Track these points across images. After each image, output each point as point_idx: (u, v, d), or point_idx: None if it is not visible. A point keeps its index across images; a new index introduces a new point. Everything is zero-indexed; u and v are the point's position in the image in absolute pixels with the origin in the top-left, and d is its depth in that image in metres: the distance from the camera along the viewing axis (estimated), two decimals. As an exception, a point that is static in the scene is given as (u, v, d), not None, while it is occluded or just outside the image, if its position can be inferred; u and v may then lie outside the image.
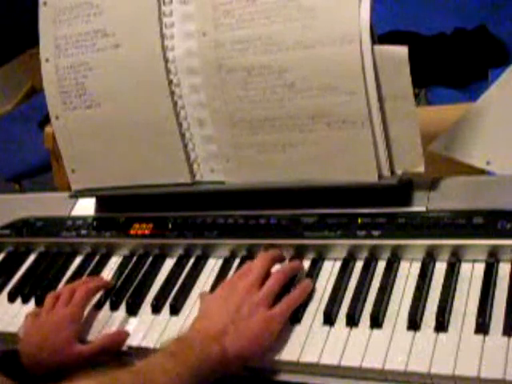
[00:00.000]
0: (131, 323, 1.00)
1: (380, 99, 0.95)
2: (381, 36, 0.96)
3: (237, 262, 1.03)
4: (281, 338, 0.88)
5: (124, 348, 0.96)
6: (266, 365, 0.88)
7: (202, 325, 0.89)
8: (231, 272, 1.02)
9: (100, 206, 1.20)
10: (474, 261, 0.89)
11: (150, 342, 0.95)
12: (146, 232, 1.11)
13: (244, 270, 0.95)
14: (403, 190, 0.98)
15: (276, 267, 0.96)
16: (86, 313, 1.03)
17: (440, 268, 0.90)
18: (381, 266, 0.94)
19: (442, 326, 0.82)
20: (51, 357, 0.95)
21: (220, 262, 1.04)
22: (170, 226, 1.10)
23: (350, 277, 0.94)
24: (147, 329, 0.97)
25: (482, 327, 0.80)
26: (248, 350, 0.86)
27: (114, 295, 1.04)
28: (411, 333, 0.83)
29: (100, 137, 1.14)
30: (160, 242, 1.10)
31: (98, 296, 1.05)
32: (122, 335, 0.98)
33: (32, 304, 1.10)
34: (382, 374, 0.81)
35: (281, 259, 0.98)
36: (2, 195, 1.38)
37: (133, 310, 1.01)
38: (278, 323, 0.88)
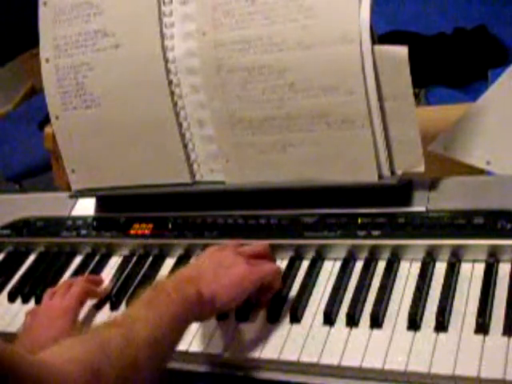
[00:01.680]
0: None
1: (380, 99, 0.95)
2: (381, 36, 0.96)
3: (237, 262, 1.03)
4: (281, 337, 0.88)
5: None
6: (266, 365, 0.88)
7: (181, 271, 0.91)
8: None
9: (100, 206, 1.20)
10: (474, 261, 0.90)
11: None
12: (146, 232, 1.11)
13: (232, 243, 0.98)
14: (403, 189, 0.98)
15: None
16: (85, 313, 1.03)
17: (440, 268, 0.90)
18: (381, 266, 0.94)
19: (442, 325, 0.82)
20: (45, 348, 0.95)
21: (220, 262, 1.04)
22: (170, 225, 1.10)
23: (349, 277, 0.94)
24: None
25: (482, 327, 0.80)
26: (223, 294, 0.87)
27: (114, 295, 1.04)
28: (411, 333, 0.83)
29: (100, 137, 1.14)
30: (160, 242, 1.10)
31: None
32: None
33: (32, 304, 1.10)
34: (382, 374, 0.81)
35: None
36: (1, 195, 1.38)
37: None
38: (257, 277, 0.90)
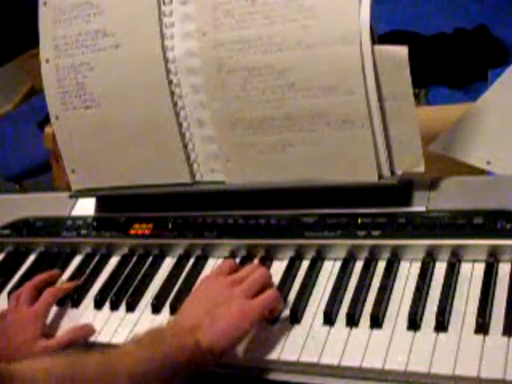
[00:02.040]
0: (131, 323, 1.00)
1: (380, 99, 0.95)
2: (381, 36, 0.96)
3: (237, 262, 1.03)
4: (281, 337, 0.88)
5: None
6: (266, 365, 0.88)
7: (177, 320, 0.89)
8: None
9: (100, 206, 1.20)
10: (474, 261, 0.90)
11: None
12: (146, 232, 1.11)
13: (225, 266, 0.95)
14: (403, 189, 0.98)
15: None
16: (85, 313, 1.03)
17: (440, 268, 0.90)
18: (381, 266, 0.94)
19: (442, 325, 0.82)
20: (16, 354, 0.94)
21: (220, 262, 1.04)
22: (170, 226, 1.10)
23: (349, 277, 0.94)
24: (147, 329, 0.97)
25: (482, 327, 0.80)
26: (222, 341, 0.84)
27: (114, 295, 1.04)
28: (411, 333, 0.83)
29: (100, 137, 1.14)
30: (160, 242, 1.10)
31: (98, 296, 1.05)
32: (86, 329, 0.99)
33: (32, 304, 1.10)
34: (382, 373, 0.81)
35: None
36: (2, 195, 1.39)
37: (133, 310, 1.01)
38: (255, 314, 0.86)
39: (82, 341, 0.98)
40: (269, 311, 0.89)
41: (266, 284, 0.92)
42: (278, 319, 0.91)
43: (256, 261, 1.01)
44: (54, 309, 1.06)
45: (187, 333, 0.84)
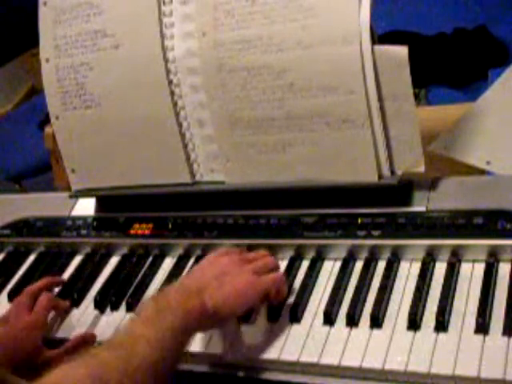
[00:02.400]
0: (131, 323, 1.00)
1: (380, 99, 0.95)
2: (381, 36, 0.96)
3: (237, 262, 1.03)
4: (281, 337, 0.88)
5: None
6: (266, 365, 0.88)
7: (184, 281, 0.90)
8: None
9: (100, 206, 1.20)
10: (474, 261, 0.90)
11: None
12: (146, 232, 1.11)
13: (234, 249, 0.96)
14: (403, 189, 0.98)
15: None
16: (85, 313, 1.03)
17: (440, 268, 0.90)
18: (381, 266, 0.94)
19: (442, 325, 0.82)
20: (24, 363, 0.95)
21: (220, 262, 1.04)
22: (170, 225, 1.10)
23: (349, 277, 0.94)
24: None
25: (482, 327, 0.80)
26: (227, 305, 0.85)
27: (114, 295, 1.04)
28: (411, 333, 0.83)
29: (100, 137, 1.14)
30: (160, 242, 1.10)
31: (98, 296, 1.05)
32: (89, 337, 0.99)
33: (32, 304, 1.10)
34: (382, 374, 0.81)
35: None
36: (2, 195, 1.38)
37: (133, 310, 1.01)
38: (261, 289, 0.88)
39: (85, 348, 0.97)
40: (274, 294, 0.90)
41: (274, 269, 0.94)
42: (278, 319, 0.91)
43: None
44: (54, 309, 1.06)
45: (193, 294, 0.85)
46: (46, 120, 1.30)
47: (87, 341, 0.98)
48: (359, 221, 0.97)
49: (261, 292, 0.88)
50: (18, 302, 1.03)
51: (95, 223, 1.17)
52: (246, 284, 0.87)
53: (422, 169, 0.96)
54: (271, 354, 0.87)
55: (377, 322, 0.85)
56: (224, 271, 0.88)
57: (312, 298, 0.93)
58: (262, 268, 0.91)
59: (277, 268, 0.95)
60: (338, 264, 0.97)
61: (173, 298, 0.85)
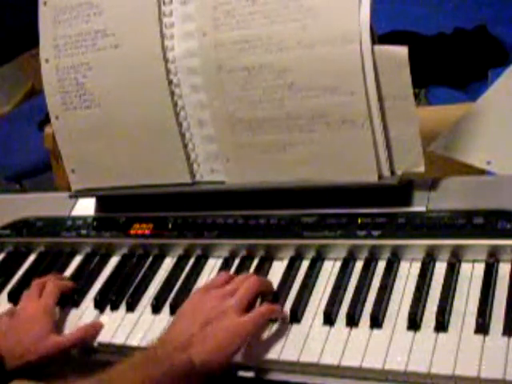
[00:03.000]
0: (131, 323, 1.00)
1: (380, 99, 0.95)
2: (381, 36, 0.96)
3: (237, 262, 1.03)
4: (281, 337, 0.88)
5: (116, 342, 0.97)
6: (266, 365, 0.88)
7: (170, 336, 0.88)
8: (231, 272, 1.01)
9: (100, 206, 1.20)
10: (474, 261, 0.90)
11: (149, 342, 0.94)
12: (146, 232, 1.11)
13: (221, 278, 0.94)
14: (403, 190, 0.98)
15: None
16: (85, 312, 1.03)
17: (440, 268, 0.90)
18: (381, 266, 0.94)
19: (442, 326, 0.82)
20: (29, 349, 0.95)
21: (220, 262, 1.04)
22: (170, 225, 1.10)
23: (349, 277, 0.94)
24: (147, 329, 0.97)
25: (482, 327, 0.80)
26: (214, 358, 0.83)
27: (114, 295, 1.04)
28: (411, 333, 0.83)
29: (100, 137, 1.14)
30: (160, 242, 1.10)
31: (98, 296, 1.05)
32: (96, 327, 0.99)
33: (32, 304, 1.10)
34: (382, 373, 0.81)
35: (267, 290, 0.94)
36: (2, 195, 1.39)
37: (133, 310, 1.01)
38: (248, 330, 0.86)
39: (92, 339, 0.98)
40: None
41: (261, 292, 0.92)
42: (278, 319, 0.91)
43: (255, 262, 1.01)
44: (54, 309, 1.06)
45: (179, 350, 0.83)
46: (46, 120, 1.30)
47: (94, 332, 0.99)
48: (359, 221, 0.97)
49: (247, 336, 0.86)
50: (27, 295, 1.05)
51: (95, 223, 1.17)
52: (232, 328, 0.85)
53: (422, 169, 0.96)
54: (271, 353, 0.87)
55: (377, 321, 0.85)
56: (207, 318, 0.86)
57: (312, 298, 0.93)
58: (244, 300, 0.88)
59: (263, 289, 0.92)
60: (338, 264, 0.96)
61: (160, 350, 0.84)
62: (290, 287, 0.95)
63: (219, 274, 0.99)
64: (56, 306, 1.03)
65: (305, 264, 0.98)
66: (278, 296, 0.93)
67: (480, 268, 0.88)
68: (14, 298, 1.12)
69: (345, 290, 0.92)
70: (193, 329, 0.86)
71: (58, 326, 1.02)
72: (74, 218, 1.19)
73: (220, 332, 0.85)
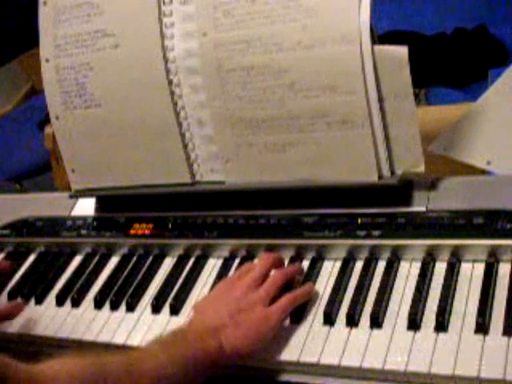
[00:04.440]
0: (131, 323, 1.00)
1: (380, 99, 0.95)
2: (381, 36, 0.96)
3: (237, 262, 1.03)
4: (281, 337, 0.88)
5: (124, 347, 0.97)
6: (266, 365, 0.88)
7: (200, 320, 0.89)
8: (231, 272, 1.02)
9: (100, 205, 1.20)
10: (474, 261, 0.89)
11: (149, 342, 0.94)
12: (146, 232, 1.11)
13: (244, 269, 0.95)
14: (403, 189, 0.98)
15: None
16: (85, 312, 1.03)
17: (440, 268, 0.90)
18: (381, 266, 0.94)
19: (442, 326, 0.82)
20: None
21: (220, 262, 1.04)
22: (169, 226, 1.10)
23: (350, 277, 0.94)
24: (147, 329, 0.97)
25: (482, 327, 0.80)
26: (245, 346, 0.85)
27: (114, 295, 1.04)
28: (411, 333, 0.83)
29: (100, 137, 1.14)
30: (160, 242, 1.10)
31: (98, 296, 1.05)
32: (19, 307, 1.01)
33: (32, 304, 1.10)
34: (382, 373, 0.81)
35: (280, 263, 0.98)
36: (1, 195, 1.38)
37: (133, 310, 1.01)
38: (276, 320, 0.88)
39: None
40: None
41: (289, 281, 0.94)
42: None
43: (255, 262, 1.01)
44: (54, 309, 1.06)
45: (210, 335, 0.85)
46: (46, 120, 1.30)
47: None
48: (359, 221, 0.97)
49: (274, 325, 0.87)
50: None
51: (95, 223, 1.17)
52: (260, 320, 0.87)
53: (422, 169, 0.96)
54: (271, 354, 0.87)
55: (377, 321, 0.85)
56: (238, 307, 0.88)
57: (312, 298, 0.93)
58: (272, 291, 0.90)
59: (289, 278, 0.94)
60: (338, 264, 0.96)
61: (190, 334, 0.85)
62: (290, 287, 0.95)
63: (242, 266, 0.99)
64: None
65: (305, 264, 0.98)
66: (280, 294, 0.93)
67: (480, 268, 0.88)
68: (14, 298, 1.12)
69: (345, 290, 0.92)
70: (223, 317, 0.87)
71: (59, 326, 1.02)
72: (74, 218, 1.19)
73: (248, 322, 0.86)
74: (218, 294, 0.93)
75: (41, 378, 0.71)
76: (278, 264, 0.97)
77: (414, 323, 0.83)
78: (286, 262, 0.99)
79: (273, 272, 0.95)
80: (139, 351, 0.82)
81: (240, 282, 0.92)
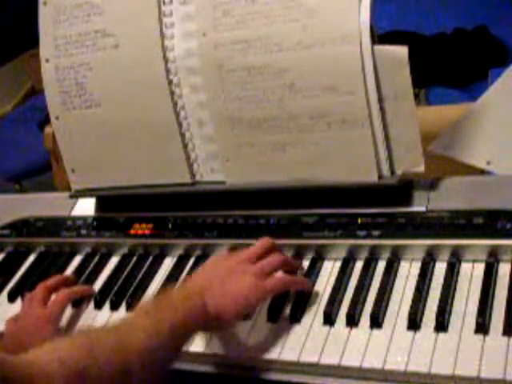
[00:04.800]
0: (131, 323, 1.00)
1: (380, 99, 0.95)
2: (381, 36, 0.96)
3: (237, 261, 1.03)
4: (281, 337, 0.88)
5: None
6: (266, 365, 0.88)
7: (187, 283, 0.90)
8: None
9: (100, 205, 1.20)
10: (474, 261, 0.90)
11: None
12: (146, 232, 1.11)
13: (239, 250, 0.95)
14: (403, 190, 0.98)
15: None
16: (85, 313, 1.03)
17: (440, 268, 0.90)
18: (381, 266, 0.94)
19: (442, 326, 0.82)
20: None
21: (220, 262, 1.04)
22: (169, 226, 1.10)
23: (350, 277, 0.94)
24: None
25: (482, 327, 0.80)
26: (228, 307, 0.85)
27: (114, 295, 1.04)
28: (411, 333, 0.83)
29: (100, 137, 1.14)
30: (160, 242, 1.10)
31: (98, 296, 1.05)
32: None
33: (32, 304, 1.09)
34: (382, 373, 0.81)
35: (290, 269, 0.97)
36: (2, 195, 1.38)
37: (133, 310, 1.01)
38: (265, 292, 0.87)
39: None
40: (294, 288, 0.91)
41: (287, 270, 0.94)
42: (278, 319, 0.91)
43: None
44: (54, 309, 1.06)
45: (196, 294, 0.85)
46: (46, 120, 1.30)
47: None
48: (359, 221, 0.97)
49: (262, 296, 0.88)
50: (31, 297, 1.03)
51: (95, 223, 1.17)
52: (249, 287, 0.86)
53: (422, 169, 0.96)
54: (271, 353, 0.87)
55: (377, 321, 0.85)
56: (228, 272, 0.88)
57: (312, 298, 0.93)
58: (266, 269, 0.90)
59: (286, 265, 0.94)
60: (338, 264, 0.96)
61: (174, 296, 0.85)
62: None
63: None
64: (63, 314, 1.01)
65: (305, 264, 0.98)
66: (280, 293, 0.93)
67: (480, 268, 0.88)
68: (13, 298, 1.12)
69: (345, 290, 0.92)
70: (212, 277, 0.88)
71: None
72: (74, 218, 1.19)
73: (238, 284, 0.86)
74: (212, 262, 0.93)
75: (35, 371, 0.70)
76: (274, 249, 0.96)
77: (413, 323, 0.83)
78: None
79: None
80: (127, 324, 0.81)
81: (234, 256, 0.92)
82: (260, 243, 0.95)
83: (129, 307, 1.02)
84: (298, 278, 0.93)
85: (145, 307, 0.84)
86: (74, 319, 1.04)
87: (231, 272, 0.88)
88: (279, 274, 0.92)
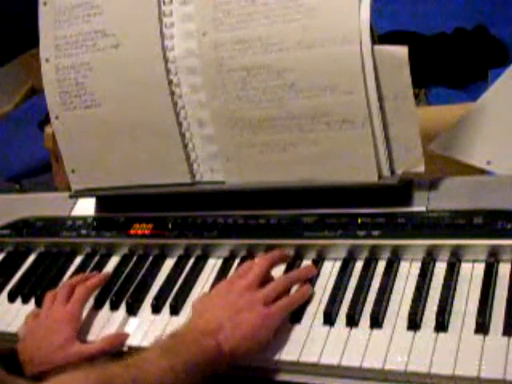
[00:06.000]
0: (131, 323, 1.00)
1: (380, 99, 0.95)
2: (381, 36, 0.96)
3: (237, 262, 1.03)
4: (281, 337, 0.88)
5: (124, 348, 0.96)
6: (267, 365, 0.88)
7: (198, 321, 0.89)
8: (231, 272, 1.02)
9: (100, 206, 1.20)
10: (474, 261, 0.90)
11: (149, 342, 0.94)
12: (146, 232, 1.11)
13: (243, 269, 0.95)
14: (403, 190, 0.98)
15: (277, 270, 0.96)
16: (85, 313, 1.03)
17: (440, 268, 0.90)
18: (381, 265, 0.94)
19: (441, 326, 0.82)
20: (49, 355, 0.94)
21: (220, 262, 1.04)
22: (170, 226, 1.10)
23: (349, 277, 0.94)
24: (147, 329, 0.97)
25: (482, 327, 0.80)
26: (243, 346, 0.85)
27: (114, 295, 1.04)
28: (411, 333, 0.83)
29: (100, 137, 1.14)
30: (160, 242, 1.10)
31: (97, 296, 1.05)
32: (122, 338, 0.97)
33: (32, 304, 1.09)
34: (382, 373, 0.81)
35: (283, 260, 0.98)
36: (2, 195, 1.38)
37: (133, 310, 1.01)
38: (275, 321, 0.87)
39: (115, 349, 0.96)
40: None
41: (293, 285, 0.94)
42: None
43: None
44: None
45: (208, 336, 0.85)
46: (46, 120, 1.30)
47: (116, 343, 0.97)
48: (359, 221, 0.97)
49: (274, 326, 0.87)
50: (53, 295, 1.03)
51: (95, 223, 1.17)
52: (260, 321, 0.86)
53: (422, 169, 0.96)
54: (271, 354, 0.87)
55: (377, 321, 0.85)
56: (237, 308, 0.88)
57: (312, 298, 0.93)
58: (272, 295, 0.90)
59: (298, 279, 0.94)
60: (338, 264, 0.96)
61: (189, 336, 0.85)
62: (290, 288, 0.95)
63: (244, 263, 0.98)
64: (83, 310, 1.01)
65: (305, 264, 0.98)
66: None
67: (480, 268, 0.88)
68: (13, 298, 1.12)
69: (345, 290, 0.92)
70: (222, 317, 0.87)
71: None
72: (74, 218, 1.19)
73: (249, 321, 0.86)
74: (217, 294, 0.92)
75: None
76: (280, 261, 0.97)
77: (413, 323, 0.83)
78: (286, 262, 0.99)
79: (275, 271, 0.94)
80: (141, 360, 0.82)
81: (239, 282, 0.92)
82: (262, 261, 0.95)
83: (128, 307, 1.02)
84: (299, 293, 0.92)
85: (159, 344, 0.85)
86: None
87: (239, 306, 0.88)
88: (283, 299, 0.91)
